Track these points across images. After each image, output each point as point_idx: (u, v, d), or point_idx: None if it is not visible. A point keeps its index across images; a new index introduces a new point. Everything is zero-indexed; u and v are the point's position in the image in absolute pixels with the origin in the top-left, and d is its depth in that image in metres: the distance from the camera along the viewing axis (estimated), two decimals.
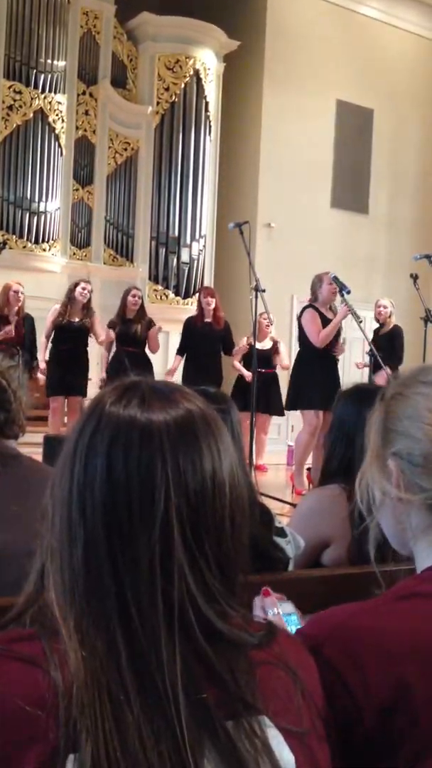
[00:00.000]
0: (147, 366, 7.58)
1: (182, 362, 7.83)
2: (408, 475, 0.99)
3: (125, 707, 0.68)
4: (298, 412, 7.07)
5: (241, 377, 7.95)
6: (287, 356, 8.11)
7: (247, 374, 7.59)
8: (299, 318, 6.80)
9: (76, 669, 0.70)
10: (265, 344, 8.08)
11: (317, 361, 6.58)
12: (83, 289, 7.41)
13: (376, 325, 7.89)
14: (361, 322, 6.38)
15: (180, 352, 7.90)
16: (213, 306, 7.78)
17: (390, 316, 7.70)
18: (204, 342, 7.69)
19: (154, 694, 0.70)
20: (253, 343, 6.98)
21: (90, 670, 0.70)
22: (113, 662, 0.70)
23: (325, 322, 6.55)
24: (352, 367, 8.50)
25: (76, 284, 7.50)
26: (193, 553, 0.74)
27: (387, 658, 0.87)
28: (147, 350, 7.79)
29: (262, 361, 7.46)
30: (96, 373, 8.09)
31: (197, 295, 8.27)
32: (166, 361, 9.27)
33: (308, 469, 6.78)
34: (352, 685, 0.87)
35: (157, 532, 0.73)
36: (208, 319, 7.77)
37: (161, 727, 0.68)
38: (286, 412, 7.85)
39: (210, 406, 0.82)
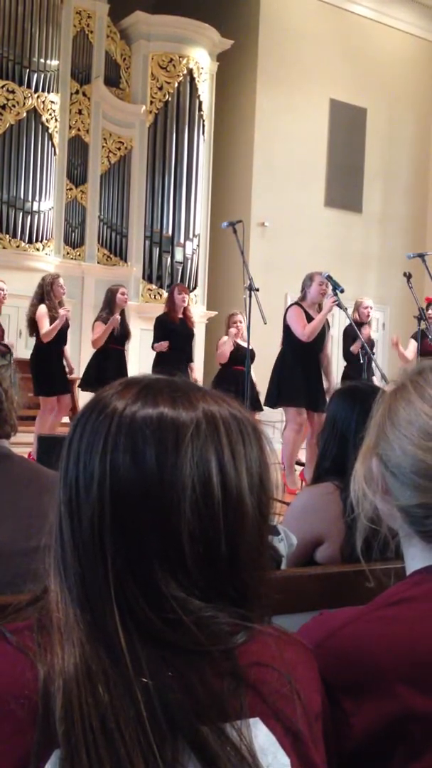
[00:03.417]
0: (125, 363, 7.61)
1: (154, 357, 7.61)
2: (387, 480, 0.97)
3: (104, 694, 0.68)
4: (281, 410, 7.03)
5: (219, 377, 7.72)
6: None
7: None
8: (284, 316, 6.79)
9: (63, 657, 0.69)
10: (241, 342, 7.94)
11: (301, 360, 6.58)
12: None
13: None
14: (346, 309, 6.36)
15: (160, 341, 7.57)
16: (186, 304, 7.70)
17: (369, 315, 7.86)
18: (182, 340, 7.57)
19: (121, 683, 0.69)
20: (248, 343, 6.95)
21: (77, 658, 0.70)
22: (95, 649, 0.70)
23: (310, 320, 6.56)
24: (338, 364, 8.48)
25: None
26: (196, 551, 0.74)
27: (377, 669, 0.86)
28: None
29: (240, 359, 7.41)
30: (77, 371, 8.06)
31: (171, 291, 7.96)
32: (139, 359, 9.18)
33: (301, 465, 6.77)
34: (342, 699, 0.86)
35: (165, 523, 0.73)
36: (180, 316, 7.63)
37: (131, 716, 0.67)
38: (271, 410, 7.69)
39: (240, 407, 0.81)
